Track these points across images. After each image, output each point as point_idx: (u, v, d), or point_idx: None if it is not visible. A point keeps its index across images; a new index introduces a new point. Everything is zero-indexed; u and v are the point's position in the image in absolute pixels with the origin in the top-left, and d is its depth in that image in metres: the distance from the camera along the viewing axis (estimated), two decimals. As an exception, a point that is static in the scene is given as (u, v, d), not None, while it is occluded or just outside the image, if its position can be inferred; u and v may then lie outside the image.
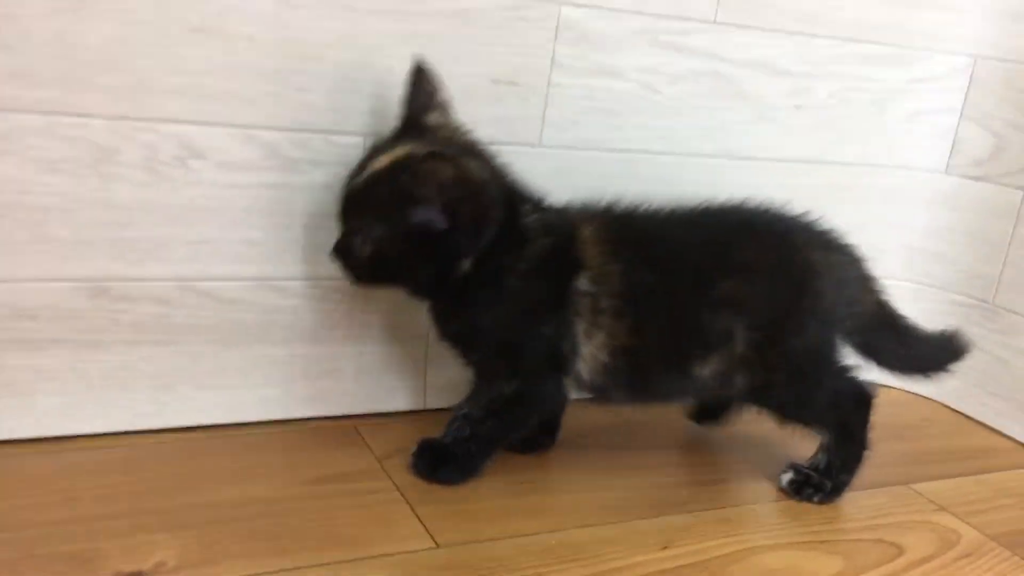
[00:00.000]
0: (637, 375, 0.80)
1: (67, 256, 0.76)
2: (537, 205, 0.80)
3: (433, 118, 0.78)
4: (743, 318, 0.78)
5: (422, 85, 0.78)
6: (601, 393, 0.82)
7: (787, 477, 0.87)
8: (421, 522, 0.74)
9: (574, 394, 0.83)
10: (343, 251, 0.76)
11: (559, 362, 0.78)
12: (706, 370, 0.80)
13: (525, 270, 0.77)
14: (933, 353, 0.91)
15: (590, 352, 0.78)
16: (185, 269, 0.80)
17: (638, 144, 0.96)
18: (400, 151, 0.74)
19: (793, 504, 0.85)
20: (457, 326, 0.81)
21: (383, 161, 0.74)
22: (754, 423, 1.02)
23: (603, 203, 0.82)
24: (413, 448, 0.82)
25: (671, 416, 0.98)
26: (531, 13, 0.87)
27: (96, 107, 0.73)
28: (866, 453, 0.86)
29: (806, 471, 0.86)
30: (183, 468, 0.78)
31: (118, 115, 0.74)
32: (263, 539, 0.69)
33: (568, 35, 0.89)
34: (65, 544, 0.65)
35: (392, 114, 0.83)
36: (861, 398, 0.86)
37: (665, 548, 0.75)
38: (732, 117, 1.00)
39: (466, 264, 0.75)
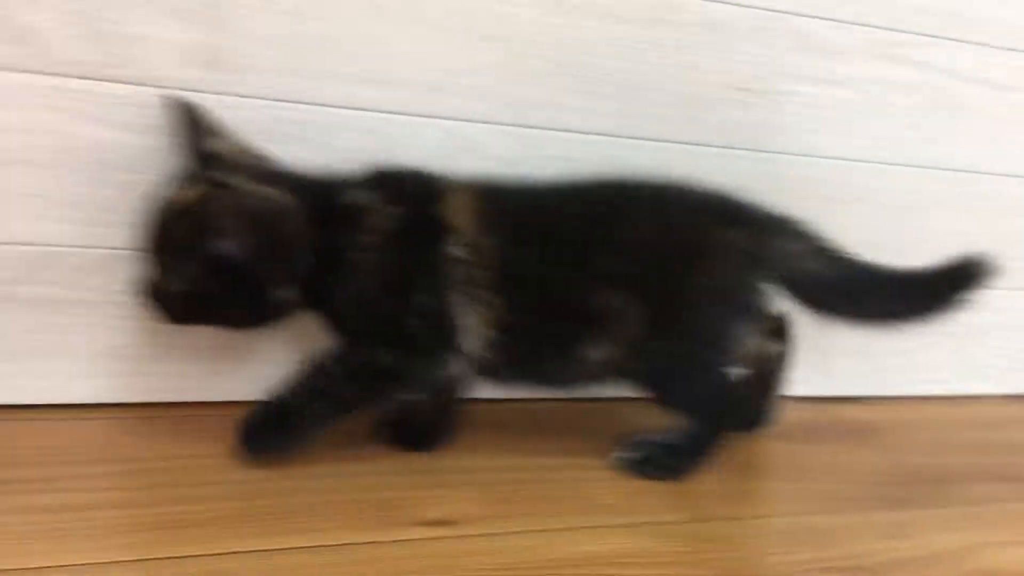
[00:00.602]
0: (524, 355, 0.78)
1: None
2: (363, 182, 0.76)
3: (221, 145, 0.75)
4: (627, 296, 0.76)
5: (192, 117, 0.75)
6: (492, 374, 0.79)
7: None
8: (664, 497, 0.80)
9: (465, 373, 0.79)
10: (155, 290, 0.73)
11: (444, 335, 0.75)
12: (597, 353, 0.78)
13: (371, 242, 0.73)
14: (926, 293, 0.83)
15: (474, 326, 0.75)
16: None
17: (864, 153, 1.00)
18: (199, 184, 0.72)
19: (1009, 507, 0.88)
20: (324, 311, 0.78)
21: (184, 196, 0.72)
22: (973, 429, 1.07)
23: (471, 175, 0.79)
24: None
25: (884, 416, 1.02)
26: (771, 23, 0.92)
27: (398, 104, 0.83)
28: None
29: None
30: (476, 435, 0.86)
31: (416, 112, 0.83)
32: (540, 502, 0.76)
33: (802, 44, 0.93)
34: (373, 492, 0.74)
35: (635, 112, 0.90)
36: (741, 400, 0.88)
37: (891, 539, 0.79)
38: (952, 128, 1.03)
39: (289, 292, 0.73)
